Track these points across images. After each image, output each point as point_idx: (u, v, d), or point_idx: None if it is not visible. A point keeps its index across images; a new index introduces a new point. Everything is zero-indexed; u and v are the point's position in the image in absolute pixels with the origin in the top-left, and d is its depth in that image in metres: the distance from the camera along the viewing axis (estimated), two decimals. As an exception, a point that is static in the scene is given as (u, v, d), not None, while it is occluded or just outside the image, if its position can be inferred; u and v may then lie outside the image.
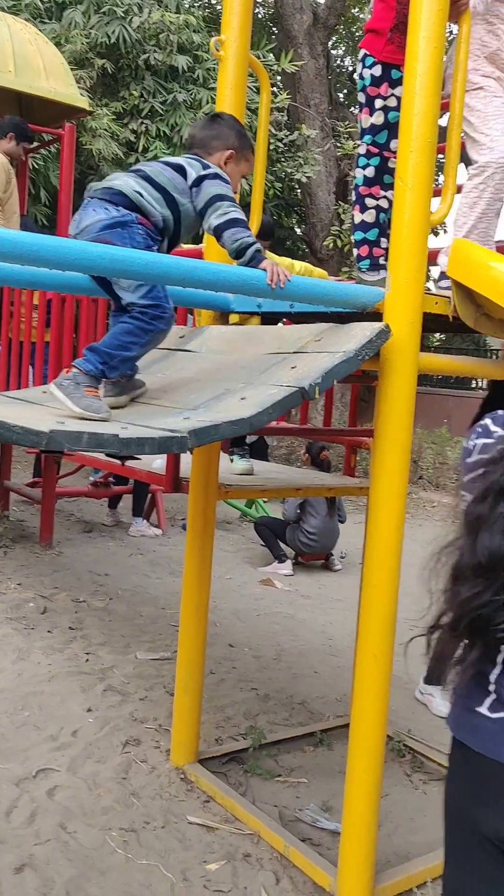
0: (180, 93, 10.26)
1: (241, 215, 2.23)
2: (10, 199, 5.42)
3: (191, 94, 10.45)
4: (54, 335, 4.10)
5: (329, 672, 4.08)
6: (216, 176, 2.32)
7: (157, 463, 2.94)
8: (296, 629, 4.73)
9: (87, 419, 1.98)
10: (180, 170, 2.35)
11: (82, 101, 5.68)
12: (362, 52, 2.52)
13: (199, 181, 2.32)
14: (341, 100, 15.93)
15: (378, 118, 2.48)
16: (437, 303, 2.23)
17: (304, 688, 3.85)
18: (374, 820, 2.24)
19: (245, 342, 2.41)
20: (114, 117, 9.80)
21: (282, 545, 6.18)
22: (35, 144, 6.20)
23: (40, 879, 2.28)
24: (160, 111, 10.32)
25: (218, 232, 2.23)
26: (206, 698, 3.53)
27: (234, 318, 2.91)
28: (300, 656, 4.28)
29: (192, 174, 2.33)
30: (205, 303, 2.72)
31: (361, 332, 2.03)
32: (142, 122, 10.14)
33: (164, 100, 10.29)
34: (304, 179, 11.43)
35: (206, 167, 2.35)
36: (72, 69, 9.69)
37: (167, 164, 2.38)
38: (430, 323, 2.28)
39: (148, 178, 2.32)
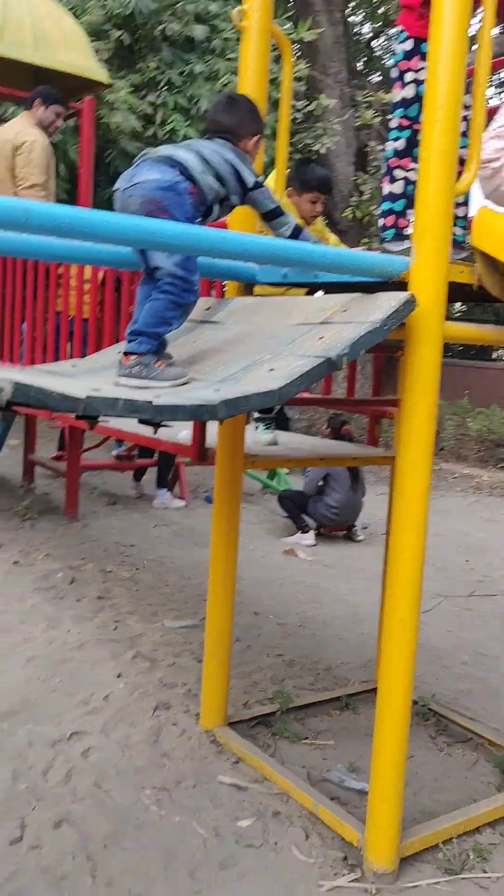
0: (198, 64, 10.18)
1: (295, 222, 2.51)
2: (50, 179, 5.42)
3: (208, 66, 10.37)
4: (93, 311, 4.09)
5: (353, 639, 4.15)
6: (261, 184, 2.45)
7: (183, 434, 2.99)
8: (319, 598, 4.80)
9: (180, 387, 2.07)
10: (232, 166, 2.39)
11: (101, 75, 5.68)
12: (398, 28, 2.55)
13: (255, 186, 2.43)
14: (360, 68, 15.73)
15: (409, 92, 2.50)
16: (462, 272, 2.24)
17: (328, 654, 3.92)
18: (400, 778, 2.31)
19: (271, 313, 2.44)
20: (131, 90, 9.75)
21: (305, 517, 6.24)
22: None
23: (78, 834, 2.37)
24: (177, 83, 10.24)
25: (271, 216, 2.47)
26: (233, 664, 3.60)
27: (269, 289, 2.95)
28: (324, 624, 4.34)
29: (250, 179, 2.42)
30: (231, 274, 2.75)
31: (387, 302, 2.05)
32: (159, 95, 10.07)
33: (182, 71, 10.22)
34: (322, 151, 11.33)
35: (254, 173, 2.45)
36: (92, 41, 9.69)
37: (216, 151, 2.40)
38: (454, 293, 2.30)
39: (202, 156, 2.35)
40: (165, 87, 10.15)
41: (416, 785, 2.81)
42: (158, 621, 4.09)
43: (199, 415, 1.70)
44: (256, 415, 3.51)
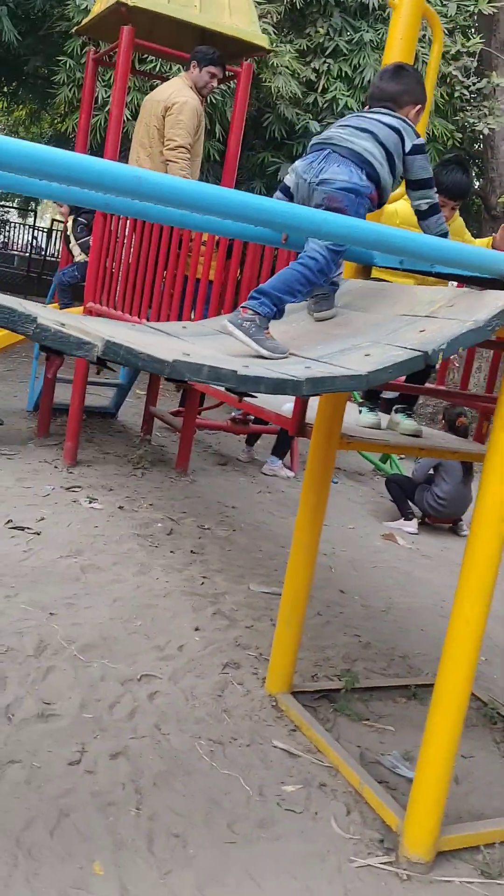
0: (367, 31, 10.00)
1: (437, 200, 2.56)
2: (198, 142, 5.53)
3: (378, 34, 10.17)
4: (218, 276, 4.19)
5: (436, 631, 4.12)
6: (423, 150, 2.51)
7: (287, 406, 3.04)
8: (410, 586, 4.78)
9: (270, 359, 2.14)
10: (398, 133, 2.48)
11: (263, 40, 5.69)
12: None
13: (414, 151, 2.50)
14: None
15: None
16: None
17: (407, 643, 3.92)
18: (447, 772, 2.31)
19: (380, 300, 2.44)
20: (296, 55, 9.70)
21: (410, 504, 6.19)
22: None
23: (132, 768, 2.51)
24: (344, 50, 10.11)
25: (424, 215, 2.55)
26: (308, 636, 3.68)
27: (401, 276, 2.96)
28: (409, 612, 4.33)
29: (409, 142, 2.49)
30: (350, 254, 2.75)
31: (494, 302, 2.02)
32: (324, 62, 9.98)
33: (351, 38, 10.07)
34: (486, 131, 10.93)
35: (416, 135, 2.51)
36: (259, 3, 9.69)
37: (383, 123, 2.49)
38: None
39: (379, 141, 2.44)
40: (331, 54, 10.05)
41: (470, 785, 2.80)
42: (244, 583, 4.19)
43: (281, 389, 1.74)
44: (358, 399, 3.52)
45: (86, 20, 6.04)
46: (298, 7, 10.02)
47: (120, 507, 5.00)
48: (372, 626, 4.03)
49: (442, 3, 10.50)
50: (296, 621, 3.02)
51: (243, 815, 2.40)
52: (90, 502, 4.96)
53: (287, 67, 9.51)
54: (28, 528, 4.33)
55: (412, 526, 6.10)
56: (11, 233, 25.22)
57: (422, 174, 2.53)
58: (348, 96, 9.95)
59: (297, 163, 2.51)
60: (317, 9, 10.21)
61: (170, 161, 5.16)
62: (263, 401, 3.41)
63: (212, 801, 2.43)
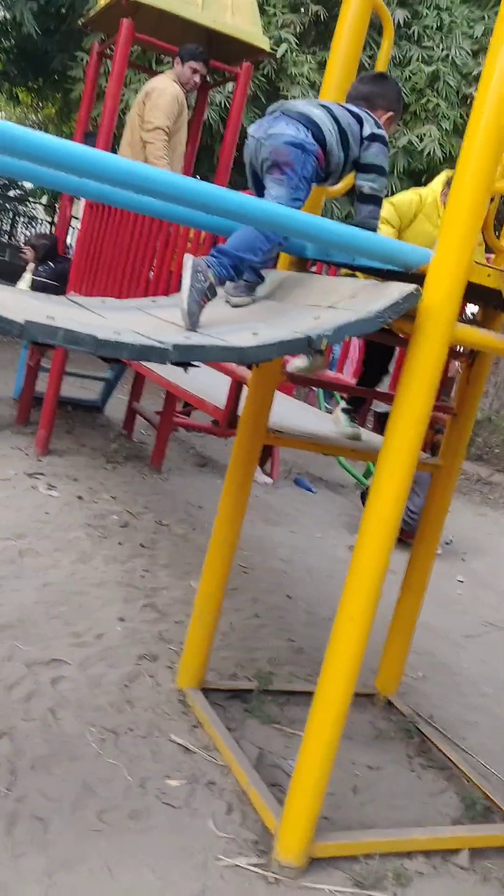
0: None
1: (383, 193, 2.55)
2: (179, 132, 5.55)
3: (403, 52, 10.17)
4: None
5: (377, 645, 4.02)
6: (385, 142, 2.51)
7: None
8: (362, 598, 4.69)
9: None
10: (357, 118, 2.51)
11: (263, 42, 5.69)
12: None
13: (373, 138, 2.50)
14: None
15: None
16: (489, 275, 2.11)
17: (343, 652, 3.84)
18: (321, 779, 2.25)
19: (296, 290, 2.40)
20: (317, 66, 9.71)
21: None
22: (216, 80, 6.29)
23: (13, 749, 2.46)
24: (367, 65, 10.10)
25: (364, 198, 2.50)
26: (240, 637, 3.63)
27: None
28: (354, 623, 4.25)
29: (368, 128, 2.50)
30: (284, 246, 2.71)
31: (390, 293, 1.97)
32: (345, 75, 9.97)
33: (371, 54, 10.07)
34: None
35: (379, 126, 2.52)
36: (283, 13, 9.74)
37: (346, 108, 2.53)
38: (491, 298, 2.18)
39: (334, 118, 2.46)
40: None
41: (369, 796, 2.73)
42: (188, 581, 4.14)
43: (145, 355, 1.70)
44: (344, 405, 3.47)
45: (92, 13, 6.07)
46: (324, 19, 10.05)
47: (79, 497, 4.97)
48: (311, 633, 3.96)
49: (469, 24, 10.49)
50: (208, 618, 2.97)
51: (116, 805, 2.34)
52: (48, 489, 4.94)
53: (306, 78, 9.52)
54: (-24, 508, 4.31)
55: (383, 540, 6.01)
56: (39, 229, 25.37)
57: (375, 161, 2.50)
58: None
59: (249, 128, 2.50)
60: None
61: (147, 143, 5.18)
62: (204, 393, 3.39)
63: (87, 788, 2.38)
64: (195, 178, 4.35)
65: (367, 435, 3.61)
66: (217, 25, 5.50)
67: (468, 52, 10.33)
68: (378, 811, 2.66)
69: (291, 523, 5.88)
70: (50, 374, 5.90)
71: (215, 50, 6.02)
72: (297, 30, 9.86)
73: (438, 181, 3.78)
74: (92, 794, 2.36)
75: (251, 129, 2.48)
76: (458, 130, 10.40)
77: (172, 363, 1.75)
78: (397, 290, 1.97)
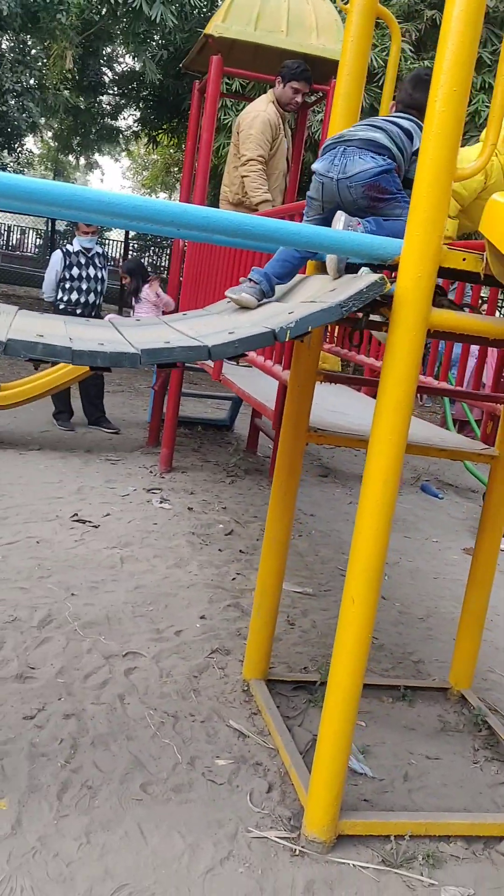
0: (512, 42, 9.75)
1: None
2: (276, 156, 5.72)
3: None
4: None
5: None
6: None
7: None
8: (466, 598, 4.64)
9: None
10: (408, 133, 2.57)
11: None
12: None
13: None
14: None
15: None
16: (464, 259, 2.15)
17: (430, 650, 3.85)
18: (340, 758, 2.33)
19: (297, 290, 2.53)
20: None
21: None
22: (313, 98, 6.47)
23: (78, 727, 2.73)
24: (488, 62, 9.92)
25: None
26: (320, 634, 3.75)
27: None
28: (449, 623, 4.23)
29: (418, 142, 2.49)
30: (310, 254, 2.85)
31: (357, 284, 2.07)
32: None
33: (496, 48, 9.87)
34: None
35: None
36: (399, 23, 9.75)
37: (397, 125, 2.58)
38: (469, 278, 2.22)
39: (391, 137, 2.54)
40: (475, 66, 9.87)
41: (419, 783, 2.76)
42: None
43: (117, 361, 1.91)
44: None
45: (186, 58, 6.46)
46: (439, 22, 9.97)
47: (189, 508, 5.26)
48: (398, 630, 3.99)
49: None
50: (266, 609, 3.11)
51: (161, 779, 2.54)
52: (161, 502, 5.26)
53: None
54: (90, 521, 4.70)
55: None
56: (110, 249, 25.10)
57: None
58: (488, 108, 9.73)
59: (315, 166, 2.60)
60: (459, 23, 10.08)
61: (243, 176, 5.38)
62: (255, 392, 3.56)
63: (138, 763, 2.60)
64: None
65: (454, 437, 3.64)
66: (303, 48, 5.70)
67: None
68: (425, 798, 2.68)
69: (408, 529, 5.88)
70: (168, 396, 6.27)
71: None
72: (413, 37, 9.86)
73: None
74: (141, 768, 2.57)
75: (319, 168, 2.55)
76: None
77: (141, 365, 1.94)
78: (365, 280, 2.07)
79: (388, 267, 2.25)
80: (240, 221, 2.04)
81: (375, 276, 2.06)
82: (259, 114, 5.35)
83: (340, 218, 2.30)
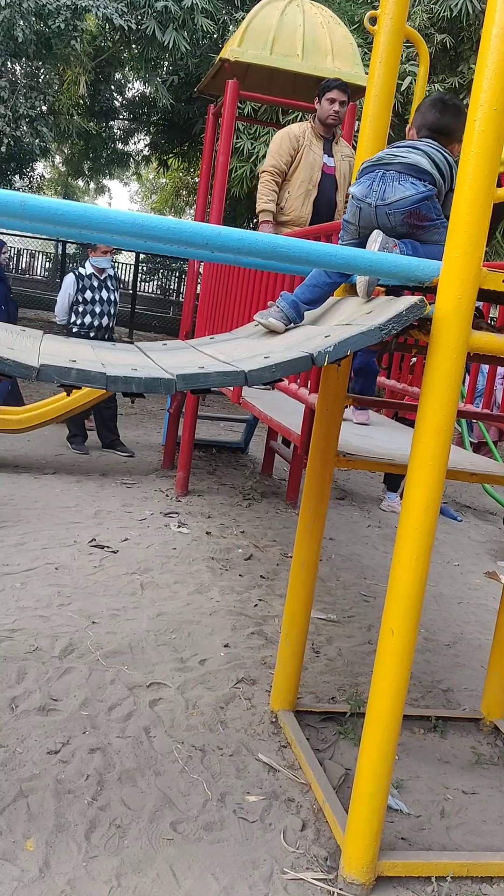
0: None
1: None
2: (299, 169, 5.63)
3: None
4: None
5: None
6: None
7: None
8: (491, 624, 4.55)
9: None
10: (450, 167, 2.48)
11: (364, 80, 5.81)
12: None
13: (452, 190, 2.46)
14: None
15: None
16: (504, 280, 2.10)
17: (458, 678, 3.76)
18: (380, 796, 2.25)
19: (330, 313, 2.48)
20: (444, 91, 9.69)
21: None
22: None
23: (104, 762, 2.65)
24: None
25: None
26: (346, 662, 3.67)
27: None
28: (476, 649, 4.14)
29: (448, 182, 2.47)
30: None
31: (397, 307, 2.02)
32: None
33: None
34: None
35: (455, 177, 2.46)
36: (408, 46, 9.80)
37: (438, 151, 2.50)
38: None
39: (432, 161, 2.46)
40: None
41: (457, 820, 2.67)
42: (304, 609, 4.21)
43: (153, 388, 1.86)
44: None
45: (201, 82, 6.48)
46: (450, 46, 10.04)
47: (208, 532, 5.20)
48: (425, 658, 3.91)
49: None
50: (295, 638, 3.04)
51: (192, 817, 2.46)
52: (179, 526, 5.20)
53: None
54: (108, 546, 4.64)
55: (527, 566, 5.79)
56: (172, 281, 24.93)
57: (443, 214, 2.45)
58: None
59: (352, 189, 2.54)
60: (469, 45, 10.16)
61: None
62: (278, 415, 3.51)
63: (167, 800, 2.52)
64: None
65: (483, 461, 3.57)
66: (318, 72, 5.70)
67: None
68: (464, 836, 2.59)
69: (428, 551, 5.79)
70: (184, 419, 6.22)
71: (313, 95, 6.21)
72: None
73: None
74: (171, 805, 2.49)
75: (356, 192, 2.49)
76: None
77: (180, 391, 1.89)
78: (404, 303, 2.02)
79: (424, 290, 2.20)
80: (275, 244, 1.99)
81: (415, 299, 2.01)
82: (283, 131, 5.37)
83: (377, 238, 2.25)
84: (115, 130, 15.47)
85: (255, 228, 7.52)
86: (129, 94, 14.76)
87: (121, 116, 14.57)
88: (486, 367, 6.56)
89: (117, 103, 14.33)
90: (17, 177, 13.95)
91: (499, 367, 3.82)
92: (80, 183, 24.43)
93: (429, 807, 2.71)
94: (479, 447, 7.53)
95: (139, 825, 2.39)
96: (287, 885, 2.24)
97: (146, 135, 15.44)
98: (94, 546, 4.63)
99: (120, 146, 16.31)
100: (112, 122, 15.02)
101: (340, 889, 2.26)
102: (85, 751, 2.71)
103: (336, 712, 3.15)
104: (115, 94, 13.96)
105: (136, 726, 2.89)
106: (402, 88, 8.91)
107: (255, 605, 4.14)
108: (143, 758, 2.71)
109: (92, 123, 13.83)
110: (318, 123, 5.48)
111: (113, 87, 13.53)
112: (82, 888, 2.12)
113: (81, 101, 11.29)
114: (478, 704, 3.45)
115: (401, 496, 6.86)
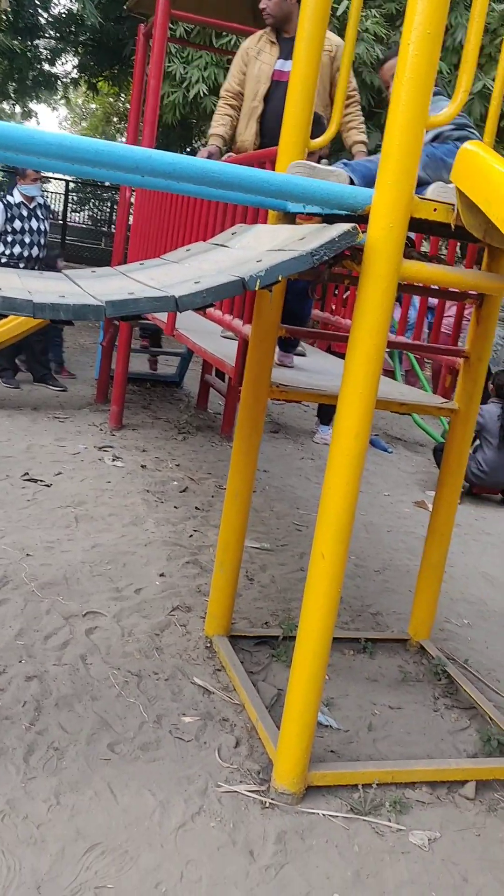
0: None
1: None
2: (252, 83, 5.19)
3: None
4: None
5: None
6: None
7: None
8: (419, 551, 4.70)
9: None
10: None
11: None
12: None
13: None
14: None
15: None
16: (435, 209, 2.12)
17: (387, 602, 3.90)
18: (310, 710, 2.35)
19: (267, 239, 2.47)
20: (381, 19, 9.51)
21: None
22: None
23: (41, 690, 2.69)
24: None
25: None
26: (278, 588, 3.75)
27: None
28: (405, 574, 4.29)
29: None
30: (269, 204, 2.78)
31: (329, 233, 2.02)
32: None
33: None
34: None
35: None
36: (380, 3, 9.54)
37: None
38: (440, 230, 2.19)
39: None
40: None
41: (384, 733, 2.80)
42: (238, 539, 4.28)
43: (82, 314, 1.84)
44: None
45: (131, -2, 6.23)
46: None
47: (142, 466, 5.20)
48: (355, 584, 4.03)
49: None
50: (229, 565, 3.10)
51: (128, 738, 2.52)
52: (113, 460, 5.19)
53: (369, 33, 9.34)
54: (42, 480, 4.60)
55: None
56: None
57: None
58: (440, 59, 9.65)
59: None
60: (406, -29, 9.93)
61: None
62: (212, 347, 3.51)
63: (104, 723, 2.57)
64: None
65: (413, 391, 3.64)
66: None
67: None
68: (390, 747, 2.73)
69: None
70: (118, 353, 6.15)
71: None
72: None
73: None
74: (108, 728, 2.55)
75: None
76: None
77: (110, 318, 1.86)
78: (337, 230, 2.02)
79: (358, 219, 2.20)
80: (207, 168, 1.96)
81: (348, 226, 2.01)
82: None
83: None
84: (42, 50, 14.74)
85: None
86: (54, 11, 14.05)
87: (47, 35, 13.88)
88: (417, 301, 6.63)
89: (42, 20, 13.63)
90: None
91: (430, 300, 3.87)
92: (6, 107, 23.34)
93: (357, 722, 2.83)
94: (409, 376, 7.67)
95: (77, 747, 2.44)
96: (221, 798, 2.33)
97: (74, 55, 14.77)
98: (28, 480, 4.59)
99: (47, 67, 15.56)
100: (38, 42, 14.31)
101: (272, 799, 2.36)
102: (21, 678, 2.74)
103: (269, 636, 3.25)
104: (40, 10, 13.26)
105: (72, 654, 2.93)
106: (339, 13, 8.70)
107: (191, 536, 4.19)
108: (79, 684, 2.76)
109: (16, 42, 13.15)
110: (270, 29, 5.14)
111: (38, 2, 12.84)
112: (21, 807, 2.17)
113: (4, 17, 10.71)
114: (405, 627, 3.59)
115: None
